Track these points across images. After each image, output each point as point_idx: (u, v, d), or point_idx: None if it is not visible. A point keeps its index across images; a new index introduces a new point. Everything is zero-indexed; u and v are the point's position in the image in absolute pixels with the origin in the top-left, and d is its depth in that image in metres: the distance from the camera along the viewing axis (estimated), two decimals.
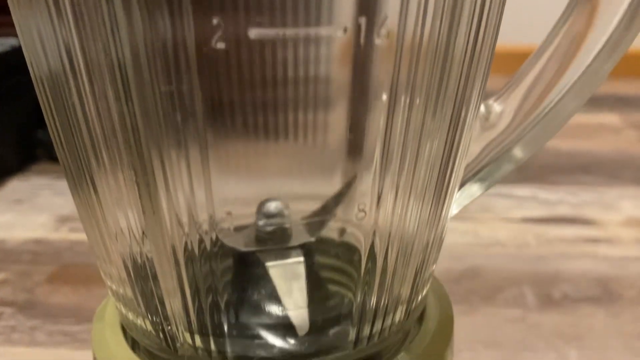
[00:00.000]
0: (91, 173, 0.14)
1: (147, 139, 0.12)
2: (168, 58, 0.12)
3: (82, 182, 0.15)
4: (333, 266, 0.15)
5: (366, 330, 0.13)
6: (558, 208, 0.51)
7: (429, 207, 0.14)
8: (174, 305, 0.13)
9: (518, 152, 0.17)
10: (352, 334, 0.13)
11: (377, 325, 0.13)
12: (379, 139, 0.13)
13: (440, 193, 0.14)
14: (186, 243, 0.13)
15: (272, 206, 0.14)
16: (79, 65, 0.13)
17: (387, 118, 0.13)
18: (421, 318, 0.15)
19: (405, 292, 0.14)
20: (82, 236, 0.47)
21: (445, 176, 0.14)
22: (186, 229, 0.13)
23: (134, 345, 0.16)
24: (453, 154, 0.14)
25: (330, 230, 0.15)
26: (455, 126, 0.13)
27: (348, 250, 0.15)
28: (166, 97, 0.12)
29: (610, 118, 0.78)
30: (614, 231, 0.47)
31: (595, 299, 0.38)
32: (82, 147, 0.14)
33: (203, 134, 0.13)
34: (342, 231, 0.15)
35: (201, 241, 0.13)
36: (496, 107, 0.16)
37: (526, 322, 0.36)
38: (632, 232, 0.47)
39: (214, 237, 0.13)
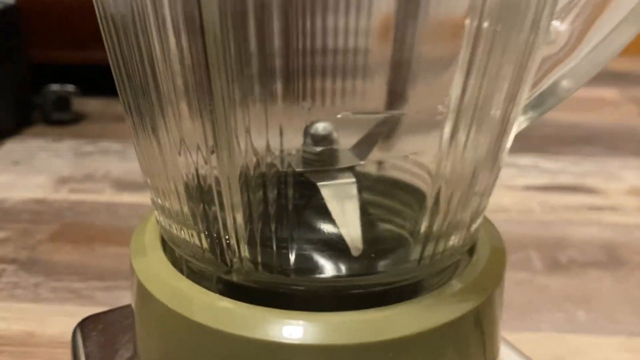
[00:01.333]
0: (161, 103, 0.14)
1: (215, 75, 0.12)
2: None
3: (147, 109, 0.14)
4: (387, 192, 0.14)
5: (429, 250, 0.13)
6: (560, 177, 0.51)
7: (495, 136, 0.13)
8: (237, 219, 0.13)
9: (566, 83, 0.16)
10: (416, 253, 0.12)
11: (440, 246, 0.13)
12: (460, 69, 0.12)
13: (506, 121, 0.13)
14: (247, 164, 0.13)
15: (320, 127, 0.14)
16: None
17: (472, 46, 0.12)
18: (471, 252, 0.15)
19: (466, 217, 0.13)
20: (83, 197, 0.47)
21: (512, 103, 0.13)
22: (248, 152, 0.13)
23: (174, 263, 0.15)
24: (522, 81, 0.13)
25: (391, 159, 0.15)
26: (528, 50, 0.13)
27: (405, 181, 0.14)
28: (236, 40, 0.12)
29: (609, 93, 0.78)
30: (618, 199, 0.47)
31: (601, 264, 0.38)
32: (151, 75, 0.14)
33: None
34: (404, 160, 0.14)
35: (258, 163, 0.12)
36: (557, 25, 0.15)
37: (533, 284, 0.36)
38: (635, 200, 0.47)
39: (269, 160, 0.13)
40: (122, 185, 0.49)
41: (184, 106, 0.13)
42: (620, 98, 0.77)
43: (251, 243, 0.12)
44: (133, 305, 0.16)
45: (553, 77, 0.16)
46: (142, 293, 0.15)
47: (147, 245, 0.17)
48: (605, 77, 0.86)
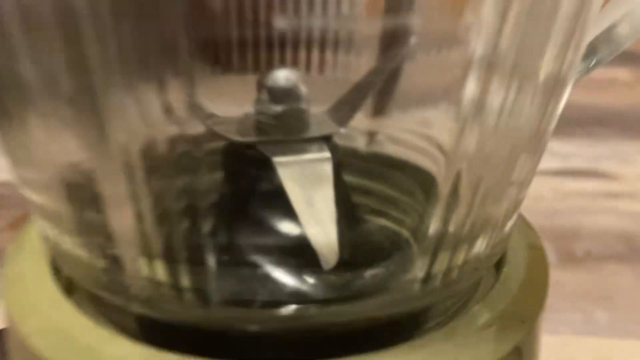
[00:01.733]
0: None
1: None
2: None
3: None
4: (379, 175, 0.10)
5: (442, 261, 0.09)
6: (573, 160, 0.48)
7: (544, 98, 0.10)
8: (123, 217, 0.09)
9: (623, 29, 0.13)
10: (422, 269, 0.09)
11: (458, 256, 0.09)
12: None
13: (561, 78, 0.10)
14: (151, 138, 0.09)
15: (282, 77, 0.10)
16: None
17: None
18: (499, 263, 0.11)
19: (497, 214, 0.10)
20: None
21: (571, 50, 0.10)
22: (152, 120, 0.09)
23: (69, 290, 0.11)
24: (584, 18, 0.10)
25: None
26: None
27: (407, 160, 0.11)
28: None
29: (622, 74, 0.74)
30: (635, 185, 0.44)
31: (620, 257, 0.35)
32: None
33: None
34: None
35: (175, 136, 0.09)
36: None
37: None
38: None
39: (196, 129, 0.09)
40: None
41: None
42: (632, 79, 0.74)
43: (152, 255, 0.08)
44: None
45: (608, 18, 0.13)
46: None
47: (27, 271, 0.12)
48: (619, 57, 0.82)
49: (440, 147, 0.10)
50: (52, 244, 0.11)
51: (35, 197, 0.12)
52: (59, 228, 0.11)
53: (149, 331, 0.09)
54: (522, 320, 0.09)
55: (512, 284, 0.10)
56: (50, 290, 0.10)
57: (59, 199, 0.11)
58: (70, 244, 0.10)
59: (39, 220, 0.12)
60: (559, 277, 0.33)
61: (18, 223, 0.37)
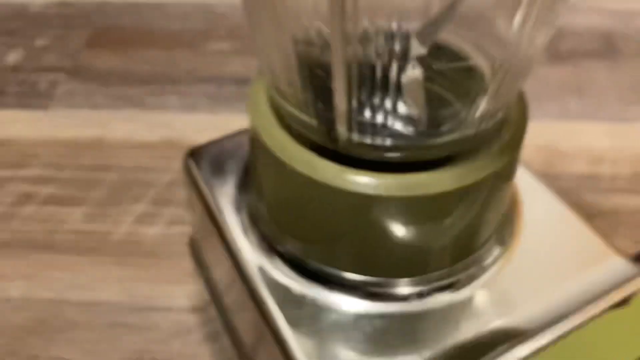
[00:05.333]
0: None
1: None
2: None
3: None
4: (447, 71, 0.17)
5: (483, 125, 0.16)
6: None
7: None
8: (340, 98, 0.15)
9: None
10: (473, 128, 0.16)
11: (490, 120, 0.16)
12: None
13: None
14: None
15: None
16: None
17: None
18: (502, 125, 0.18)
19: (514, 91, 0.17)
20: None
21: None
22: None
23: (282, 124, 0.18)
24: None
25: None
26: None
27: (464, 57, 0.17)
28: None
29: None
30: None
31: (598, 53, 0.42)
32: None
33: None
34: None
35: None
36: None
37: (536, 76, 0.40)
38: None
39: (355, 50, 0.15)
40: None
41: None
42: None
43: (348, 121, 0.16)
44: (251, 154, 0.19)
45: None
46: (261, 147, 0.18)
47: (262, 111, 0.19)
48: None
49: (488, 54, 0.16)
50: (274, 98, 0.18)
51: (271, 75, 0.18)
52: (288, 98, 0.17)
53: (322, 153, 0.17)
54: (506, 155, 0.17)
55: (505, 136, 0.17)
56: (271, 119, 0.18)
57: (292, 79, 0.17)
58: (284, 98, 0.17)
59: (270, 89, 0.19)
60: (546, 72, 0.41)
61: (91, 42, 0.43)
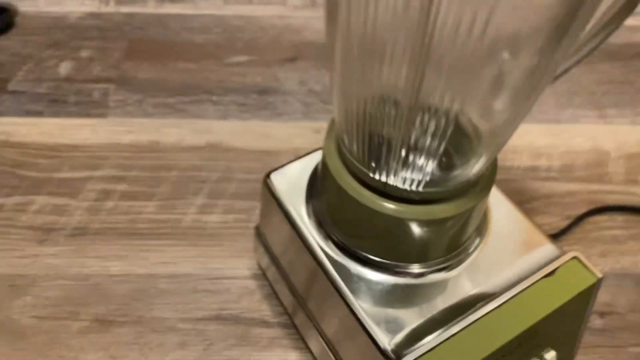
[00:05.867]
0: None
1: None
2: None
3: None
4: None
5: (473, 178, 0.26)
6: None
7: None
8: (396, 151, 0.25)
9: None
10: (466, 180, 0.26)
11: (476, 175, 0.26)
12: None
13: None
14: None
15: None
16: None
17: None
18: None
19: (494, 157, 0.27)
20: (130, 9, 0.55)
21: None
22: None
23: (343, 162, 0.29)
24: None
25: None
26: None
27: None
28: None
29: None
30: None
31: None
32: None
33: None
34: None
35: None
36: None
37: None
38: None
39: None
40: None
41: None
42: None
43: (390, 170, 0.26)
44: (321, 178, 0.30)
45: None
46: (331, 178, 0.28)
47: (332, 151, 0.29)
48: None
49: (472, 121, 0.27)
50: (340, 145, 0.28)
51: (343, 106, 0.28)
52: (343, 126, 0.27)
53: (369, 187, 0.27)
54: (480, 195, 0.28)
55: (486, 177, 0.28)
56: (337, 159, 0.28)
57: (349, 109, 0.26)
58: (347, 140, 0.27)
59: (339, 122, 0.28)
60: None
61: (129, 54, 0.51)
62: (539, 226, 0.31)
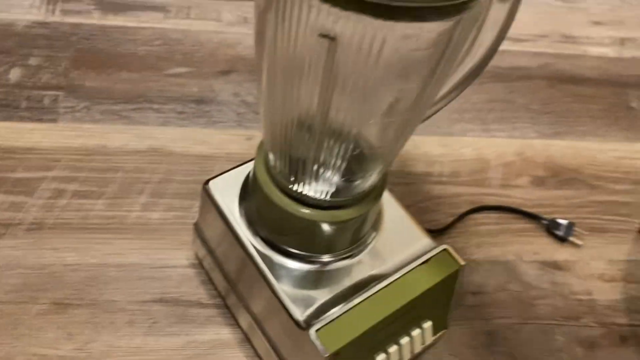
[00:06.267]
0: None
1: None
2: None
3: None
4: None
5: (368, 191, 0.34)
6: None
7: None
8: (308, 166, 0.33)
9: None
10: (363, 193, 0.34)
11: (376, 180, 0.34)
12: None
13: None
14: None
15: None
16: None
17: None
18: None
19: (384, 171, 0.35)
20: (77, 19, 0.59)
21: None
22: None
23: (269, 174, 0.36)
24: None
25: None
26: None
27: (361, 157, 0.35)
28: None
29: None
30: None
31: None
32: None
33: None
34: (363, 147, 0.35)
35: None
36: None
37: None
38: None
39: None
40: (105, 5, 0.61)
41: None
42: None
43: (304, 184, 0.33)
44: (252, 186, 0.37)
45: None
46: (260, 187, 0.35)
47: (260, 164, 0.36)
48: None
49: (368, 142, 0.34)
50: (266, 154, 0.35)
51: (268, 131, 0.34)
52: (269, 146, 0.34)
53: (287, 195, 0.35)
54: (371, 202, 0.36)
55: (378, 187, 0.36)
56: (264, 172, 0.35)
57: (273, 134, 0.33)
58: (272, 157, 0.34)
59: (266, 143, 0.35)
60: None
61: (76, 63, 0.55)
62: (420, 224, 0.40)
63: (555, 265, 0.50)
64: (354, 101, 0.31)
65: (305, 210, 0.35)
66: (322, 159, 0.34)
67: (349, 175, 0.35)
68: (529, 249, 0.51)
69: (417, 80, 0.30)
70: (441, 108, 0.37)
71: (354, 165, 0.35)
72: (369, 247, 0.39)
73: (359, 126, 0.33)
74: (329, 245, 0.37)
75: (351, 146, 0.33)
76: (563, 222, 0.52)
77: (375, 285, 0.36)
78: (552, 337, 0.46)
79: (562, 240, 0.52)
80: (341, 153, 0.34)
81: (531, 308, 0.48)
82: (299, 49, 0.29)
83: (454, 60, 0.31)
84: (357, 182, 0.36)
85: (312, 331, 0.34)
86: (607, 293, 0.50)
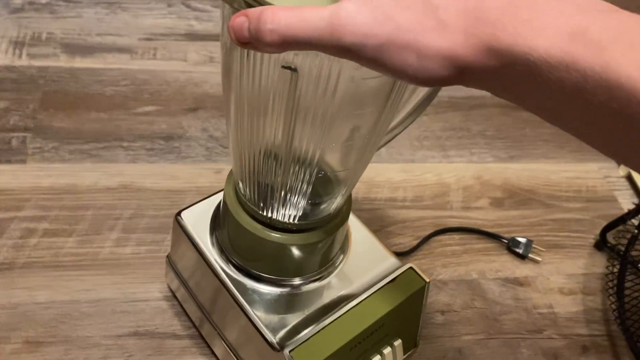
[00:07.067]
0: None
1: None
2: None
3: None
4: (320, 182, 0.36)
5: (334, 214, 0.36)
6: None
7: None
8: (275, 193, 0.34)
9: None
10: (328, 214, 0.36)
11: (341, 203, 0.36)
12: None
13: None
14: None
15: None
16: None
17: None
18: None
19: (347, 197, 0.37)
20: (43, 62, 0.60)
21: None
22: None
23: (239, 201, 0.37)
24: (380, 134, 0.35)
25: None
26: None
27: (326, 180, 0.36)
28: None
29: None
30: None
31: None
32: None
33: None
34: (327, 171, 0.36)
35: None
36: None
37: None
38: None
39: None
40: (72, 48, 0.62)
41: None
42: None
43: (268, 207, 0.34)
44: (223, 215, 0.38)
45: None
46: (230, 215, 0.37)
47: (230, 193, 0.38)
48: None
49: (331, 166, 0.36)
50: (236, 183, 0.36)
51: (237, 161, 0.36)
52: (238, 175, 0.36)
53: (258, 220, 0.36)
54: (337, 226, 0.37)
55: (340, 217, 0.37)
56: (234, 200, 0.37)
57: (242, 163, 0.35)
58: (242, 185, 0.36)
59: (235, 172, 0.37)
60: None
61: (45, 105, 0.56)
62: (386, 245, 0.42)
63: (517, 282, 0.53)
64: (316, 128, 0.33)
65: (275, 234, 0.36)
66: (288, 184, 0.36)
67: (314, 198, 0.36)
68: (492, 267, 0.53)
69: (373, 106, 0.33)
70: (400, 132, 0.39)
71: (319, 189, 0.37)
72: (338, 269, 0.40)
73: (322, 152, 0.35)
74: (299, 268, 0.39)
75: (315, 170, 0.35)
76: (522, 240, 0.55)
77: (344, 306, 0.38)
78: (517, 350, 0.48)
79: (522, 257, 0.54)
80: (306, 178, 0.36)
81: (496, 324, 0.50)
82: (263, 82, 0.31)
83: (405, 87, 0.33)
84: (323, 206, 0.38)
85: (286, 352, 0.35)
86: (567, 306, 0.52)
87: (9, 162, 0.52)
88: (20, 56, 0.61)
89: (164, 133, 0.57)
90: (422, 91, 0.37)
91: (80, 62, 0.62)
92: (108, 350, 0.43)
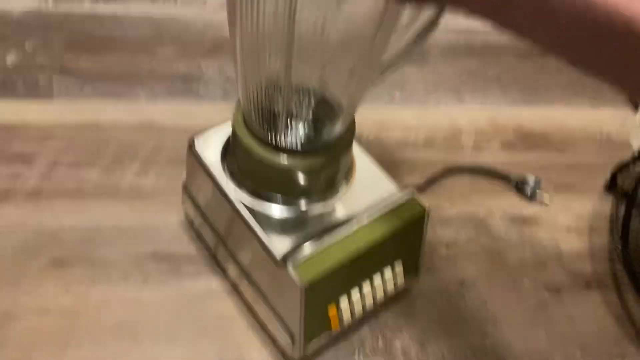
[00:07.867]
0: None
1: None
2: None
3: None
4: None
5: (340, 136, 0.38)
6: None
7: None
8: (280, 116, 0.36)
9: None
10: (334, 137, 0.37)
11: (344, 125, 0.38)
12: None
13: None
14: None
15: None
16: None
17: None
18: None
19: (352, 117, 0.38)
20: (70, 7, 0.62)
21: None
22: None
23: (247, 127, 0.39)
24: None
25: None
26: None
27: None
28: None
29: None
30: None
31: (413, 60, 0.64)
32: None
33: None
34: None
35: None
36: None
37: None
38: None
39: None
40: None
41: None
42: None
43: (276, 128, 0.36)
44: (232, 140, 0.41)
45: None
46: (238, 138, 0.39)
47: (239, 120, 0.40)
48: None
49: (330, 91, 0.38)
50: (245, 114, 0.39)
51: (245, 98, 0.38)
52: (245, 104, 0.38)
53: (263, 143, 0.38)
54: (344, 149, 0.39)
55: (347, 134, 0.39)
56: (242, 126, 0.39)
57: (247, 93, 0.37)
58: (247, 110, 0.38)
59: (242, 104, 0.39)
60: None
61: (70, 48, 0.58)
62: (388, 174, 0.43)
63: (524, 220, 0.54)
64: (311, 63, 0.35)
65: (281, 156, 0.38)
66: (291, 110, 0.37)
67: (317, 123, 0.38)
68: (499, 206, 0.54)
69: (365, 30, 0.34)
70: (403, 63, 0.40)
71: (320, 113, 0.39)
72: (342, 194, 0.42)
73: (319, 83, 0.36)
74: (304, 190, 0.41)
75: (315, 99, 0.37)
76: (531, 179, 0.55)
77: (346, 228, 0.40)
78: (520, 284, 0.49)
79: (531, 197, 0.55)
80: (307, 104, 0.38)
81: (500, 258, 0.51)
82: (263, 24, 0.33)
83: (398, 11, 0.34)
84: (326, 129, 0.39)
85: (289, 266, 0.37)
86: (573, 244, 0.53)
87: (37, 98, 0.55)
88: (46, 1, 0.63)
89: (183, 74, 0.59)
90: (422, 18, 0.37)
91: (103, 8, 0.64)
92: (127, 271, 0.46)
